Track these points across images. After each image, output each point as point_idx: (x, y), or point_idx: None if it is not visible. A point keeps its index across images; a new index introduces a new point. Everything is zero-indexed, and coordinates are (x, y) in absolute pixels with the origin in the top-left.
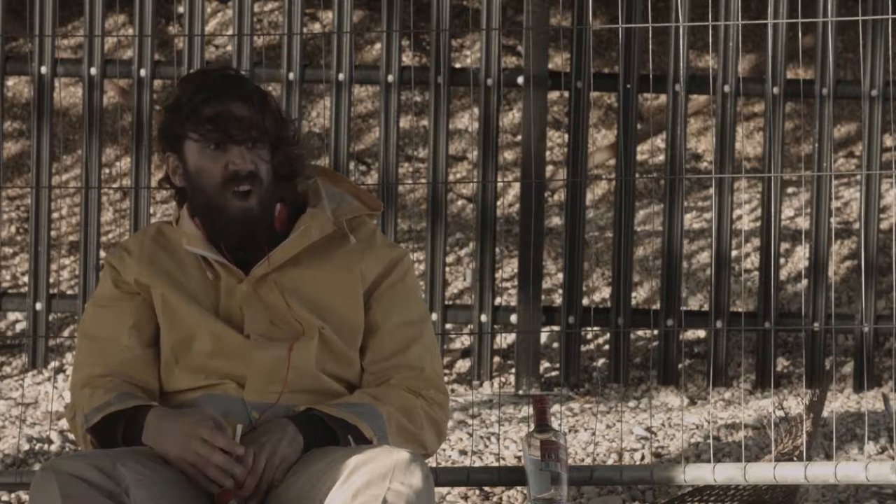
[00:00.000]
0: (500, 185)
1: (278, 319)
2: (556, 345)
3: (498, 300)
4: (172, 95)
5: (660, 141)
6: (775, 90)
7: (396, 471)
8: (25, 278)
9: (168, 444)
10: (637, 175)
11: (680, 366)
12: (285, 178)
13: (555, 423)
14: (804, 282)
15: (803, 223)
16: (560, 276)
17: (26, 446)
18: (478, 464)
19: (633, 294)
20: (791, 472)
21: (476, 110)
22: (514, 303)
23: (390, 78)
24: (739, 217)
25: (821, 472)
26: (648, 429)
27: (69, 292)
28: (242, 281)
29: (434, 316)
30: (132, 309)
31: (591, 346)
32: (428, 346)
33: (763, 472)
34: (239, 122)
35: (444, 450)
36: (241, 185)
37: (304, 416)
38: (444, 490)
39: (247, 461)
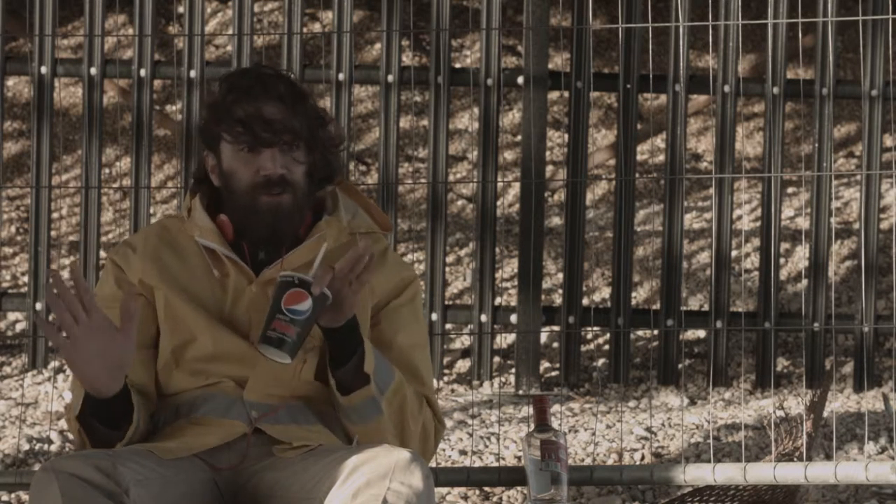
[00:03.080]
0: (500, 185)
1: None
2: (556, 345)
3: (498, 300)
4: (213, 92)
5: (660, 141)
6: (775, 90)
7: (396, 470)
8: (25, 278)
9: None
10: (637, 175)
11: (680, 366)
12: (322, 180)
13: (555, 423)
14: (804, 282)
15: (803, 223)
16: (560, 276)
17: (26, 446)
18: (478, 464)
19: (633, 294)
20: (791, 473)
21: (476, 110)
22: (514, 303)
23: (390, 78)
24: (739, 217)
25: (821, 472)
26: (648, 429)
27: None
28: (252, 282)
29: (434, 316)
30: None
31: (591, 346)
32: (429, 370)
33: (763, 473)
34: (269, 124)
35: (444, 450)
36: (272, 190)
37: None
38: (444, 490)
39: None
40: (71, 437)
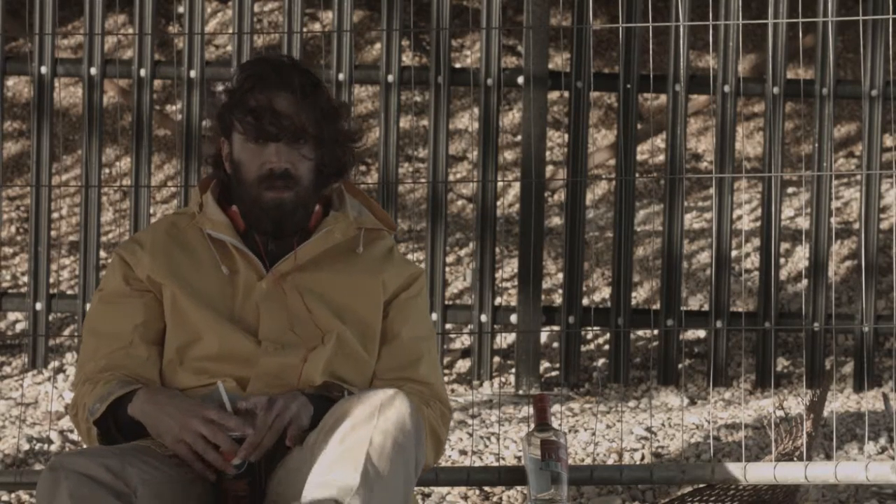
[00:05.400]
0: (500, 185)
1: (297, 324)
2: (556, 345)
3: (498, 300)
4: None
5: (660, 141)
6: (775, 90)
7: (381, 409)
8: (25, 278)
9: (164, 421)
10: (637, 175)
11: (680, 366)
12: (331, 175)
13: (555, 423)
14: (804, 282)
15: (803, 223)
16: (560, 276)
17: (26, 446)
18: (478, 464)
19: (633, 294)
20: (791, 472)
21: (476, 110)
22: (514, 303)
23: (390, 78)
24: (739, 217)
25: (821, 472)
26: (648, 429)
27: (69, 292)
28: (262, 278)
29: (434, 316)
30: (141, 306)
31: (591, 346)
32: (435, 362)
33: (763, 472)
34: (277, 118)
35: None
36: (275, 183)
37: (315, 393)
38: (444, 490)
39: (251, 419)
40: (72, 437)
